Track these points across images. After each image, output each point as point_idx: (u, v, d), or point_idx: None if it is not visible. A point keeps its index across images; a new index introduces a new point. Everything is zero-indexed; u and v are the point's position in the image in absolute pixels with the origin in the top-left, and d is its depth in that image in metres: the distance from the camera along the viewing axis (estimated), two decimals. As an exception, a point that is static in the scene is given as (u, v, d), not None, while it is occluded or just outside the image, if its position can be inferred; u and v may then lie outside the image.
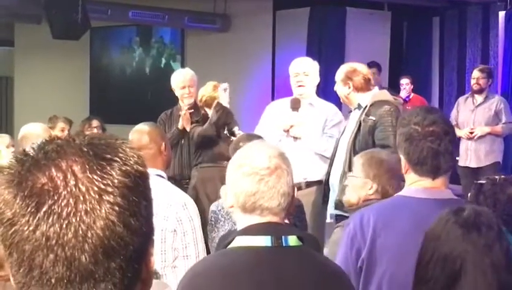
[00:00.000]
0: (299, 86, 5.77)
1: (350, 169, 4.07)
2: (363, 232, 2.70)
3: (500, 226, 2.16)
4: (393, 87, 9.98)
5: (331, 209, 5.14)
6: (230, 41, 11.54)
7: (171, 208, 3.63)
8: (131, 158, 1.08)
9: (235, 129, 5.87)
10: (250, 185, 2.25)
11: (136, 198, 1.06)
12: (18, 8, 10.71)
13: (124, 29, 12.65)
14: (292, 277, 2.22)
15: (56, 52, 12.16)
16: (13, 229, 1.03)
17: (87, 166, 1.04)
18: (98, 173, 1.04)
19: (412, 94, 10.22)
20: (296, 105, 5.72)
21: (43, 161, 1.05)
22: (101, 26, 11.79)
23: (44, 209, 1.01)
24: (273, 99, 9.46)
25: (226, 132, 5.91)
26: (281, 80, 10.13)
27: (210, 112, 5.94)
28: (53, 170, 1.03)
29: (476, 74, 8.58)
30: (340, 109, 6.26)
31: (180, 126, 6.15)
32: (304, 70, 5.76)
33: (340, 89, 5.39)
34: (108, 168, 1.05)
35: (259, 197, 2.24)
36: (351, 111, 5.47)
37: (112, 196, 1.03)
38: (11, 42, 13.69)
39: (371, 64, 9.55)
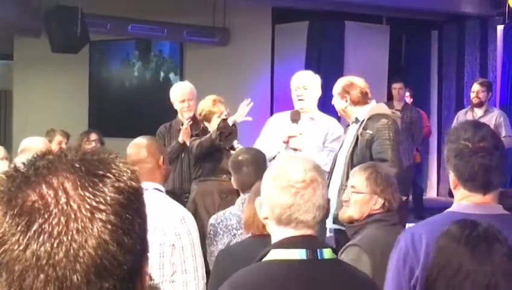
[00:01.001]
0: (299, 99, 5.76)
1: (347, 182, 4.05)
2: (415, 250, 2.64)
3: (510, 242, 2.17)
4: (389, 98, 10.01)
5: (329, 224, 5.12)
6: (230, 55, 11.55)
7: (169, 222, 3.61)
8: (124, 174, 1.05)
9: (234, 143, 5.86)
10: (286, 198, 2.25)
11: (129, 215, 1.03)
12: (17, 22, 10.73)
13: (123, 43, 12.66)
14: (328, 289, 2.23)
15: (55, 65, 12.16)
16: (2, 248, 1.00)
17: (78, 183, 1.01)
18: (90, 190, 1.01)
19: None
20: (295, 117, 5.72)
21: (34, 178, 1.02)
22: (100, 39, 11.81)
23: (34, 227, 0.98)
24: (272, 112, 9.47)
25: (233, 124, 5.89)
26: (280, 93, 10.15)
27: (209, 126, 5.92)
28: (44, 187, 1.00)
29: (475, 87, 8.58)
30: (340, 123, 6.25)
31: (180, 140, 6.14)
32: (304, 84, 5.75)
33: (337, 102, 5.37)
34: (100, 185, 1.02)
35: (294, 210, 2.25)
36: (348, 125, 5.46)
37: (104, 214, 1.00)
38: (10, 56, 13.69)
39: (397, 80, 9.74)
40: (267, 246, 2.34)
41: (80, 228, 0.99)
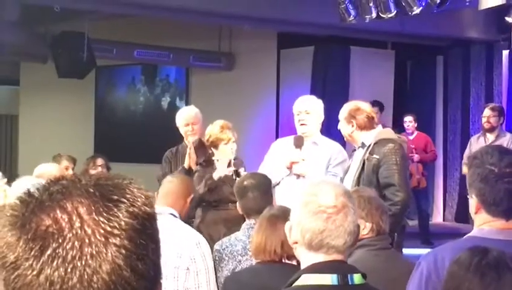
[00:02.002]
0: (302, 124, 5.76)
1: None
2: (438, 273, 2.62)
3: None
4: (398, 124, 10.00)
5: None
6: (235, 79, 11.59)
7: (184, 245, 3.61)
8: (138, 199, 1.05)
9: (241, 170, 5.85)
10: (317, 223, 2.25)
11: (143, 241, 1.03)
12: (24, 47, 10.79)
13: (129, 68, 12.72)
14: None
15: (61, 90, 12.23)
16: (16, 273, 0.99)
17: (93, 207, 1.00)
18: (105, 214, 1.00)
19: (416, 132, 10.22)
20: (299, 143, 5.71)
21: (48, 202, 1.01)
22: (106, 65, 11.87)
23: (48, 252, 0.98)
24: (277, 137, 9.47)
25: (231, 173, 5.89)
26: (285, 118, 10.15)
27: (216, 152, 5.90)
28: (58, 211, 1.00)
29: (486, 112, 8.57)
30: (345, 148, 6.24)
31: (186, 165, 6.13)
32: (306, 109, 5.75)
33: (343, 127, 5.37)
34: (115, 209, 1.01)
35: (326, 235, 2.25)
36: (355, 150, 5.45)
37: (118, 239, 1.00)
38: (16, 81, 13.77)
39: (373, 104, 9.58)
40: (276, 272, 2.33)
41: (94, 252, 0.98)
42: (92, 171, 7.24)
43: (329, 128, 6.95)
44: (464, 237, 2.83)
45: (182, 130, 6.40)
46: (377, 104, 9.70)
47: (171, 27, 11.03)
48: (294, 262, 3.05)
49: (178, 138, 6.54)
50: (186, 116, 6.38)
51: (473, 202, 2.72)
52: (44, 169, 5.66)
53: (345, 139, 5.58)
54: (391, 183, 4.94)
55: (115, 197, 1.03)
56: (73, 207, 1.01)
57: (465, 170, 8.99)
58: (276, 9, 9.30)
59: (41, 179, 5.23)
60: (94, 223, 1.00)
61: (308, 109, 5.74)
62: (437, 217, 11.57)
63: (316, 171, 5.64)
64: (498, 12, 9.27)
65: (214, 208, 5.80)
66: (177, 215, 3.88)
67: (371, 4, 8.09)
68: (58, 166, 6.04)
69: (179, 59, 11.57)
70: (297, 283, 2.27)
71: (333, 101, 8.53)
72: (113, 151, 10.73)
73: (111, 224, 1.00)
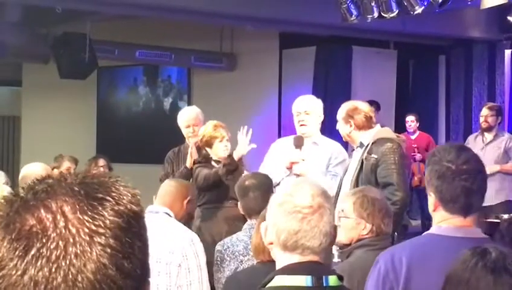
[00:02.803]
0: (301, 125, 5.75)
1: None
2: (395, 271, 2.64)
3: None
4: (400, 124, 9.99)
5: (335, 248, 5.09)
6: (237, 80, 11.59)
7: (177, 242, 3.62)
8: (124, 197, 1.04)
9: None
10: (292, 223, 2.21)
11: (129, 239, 1.01)
12: (26, 48, 10.80)
13: (131, 68, 12.72)
14: None
15: (63, 91, 12.23)
16: (1, 273, 0.99)
17: (77, 206, 1.00)
18: (89, 213, 0.99)
19: (418, 131, 10.21)
20: (299, 143, 5.70)
21: (32, 202, 1.01)
22: (108, 65, 11.87)
23: (32, 252, 0.97)
24: (279, 137, 9.45)
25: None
26: (287, 118, 10.12)
27: (210, 151, 5.91)
28: (42, 211, 0.99)
29: (484, 111, 8.56)
30: (346, 147, 6.23)
31: (188, 165, 6.14)
32: (305, 109, 5.74)
33: (341, 127, 5.37)
34: (99, 208, 1.00)
35: (301, 236, 2.21)
36: (353, 150, 5.45)
37: (103, 238, 0.99)
38: (18, 82, 13.77)
39: (369, 103, 9.58)
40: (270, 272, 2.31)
41: (79, 252, 0.97)
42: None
43: (332, 128, 6.93)
44: (422, 234, 2.84)
45: (183, 131, 6.40)
46: (373, 103, 9.71)
47: (172, 28, 11.02)
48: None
49: (180, 139, 6.54)
50: (186, 118, 6.38)
51: (431, 199, 2.72)
52: (29, 169, 5.65)
53: (343, 139, 5.58)
54: (390, 183, 4.93)
55: (100, 195, 1.02)
56: (58, 206, 1.00)
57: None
58: (278, 10, 9.29)
59: (25, 179, 5.24)
60: (79, 222, 0.99)
61: (308, 110, 5.74)
62: (440, 217, 11.55)
63: (316, 171, 5.63)
64: (500, 11, 9.26)
65: (213, 207, 5.79)
66: (172, 215, 3.90)
67: (373, 4, 8.08)
68: (45, 165, 6.02)
69: (181, 60, 11.57)
70: (271, 284, 2.24)
71: (335, 101, 8.51)
72: (115, 151, 10.73)
73: (96, 223, 0.99)
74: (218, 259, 4.16)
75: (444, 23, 9.91)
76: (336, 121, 5.62)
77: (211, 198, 5.83)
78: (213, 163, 5.89)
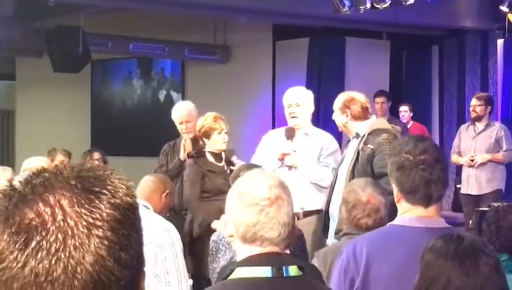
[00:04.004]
0: (292, 117, 5.78)
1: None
2: (356, 261, 2.69)
3: (496, 254, 2.17)
4: (393, 114, 10.01)
5: (331, 239, 5.13)
6: (231, 72, 11.59)
7: (152, 232, 3.67)
8: (120, 190, 1.06)
9: (233, 159, 5.86)
10: (250, 215, 2.22)
11: (126, 231, 1.04)
12: (19, 42, 10.79)
13: (125, 61, 12.72)
14: None
15: (57, 85, 12.22)
16: (1, 266, 1.01)
17: (75, 200, 1.02)
18: (86, 206, 1.02)
19: (412, 122, 10.24)
20: (290, 134, 5.73)
21: (30, 196, 1.03)
22: (101, 58, 11.87)
23: (32, 245, 0.99)
24: (273, 128, 9.49)
25: (223, 164, 5.91)
26: (281, 109, 10.11)
27: (208, 142, 5.93)
28: (40, 204, 1.02)
29: (473, 101, 8.60)
30: (341, 138, 6.26)
31: (181, 157, 6.16)
32: (296, 102, 5.77)
33: (338, 117, 5.39)
34: (96, 201, 1.03)
35: (259, 227, 2.22)
36: (349, 140, 5.47)
37: (101, 230, 1.01)
38: (12, 76, 13.76)
39: (379, 93, 9.59)
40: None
41: (77, 244, 1.00)
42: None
43: (326, 119, 6.97)
44: (386, 225, 2.87)
45: (178, 127, 6.42)
46: (382, 94, 9.75)
47: (166, 20, 11.02)
48: (287, 251, 3.08)
49: (175, 131, 6.56)
50: (179, 115, 6.38)
51: (395, 191, 2.75)
52: (31, 163, 5.68)
53: (339, 129, 5.60)
54: (385, 173, 4.94)
55: (96, 189, 1.04)
56: (56, 200, 1.02)
57: (454, 159, 9.05)
58: (271, 1, 9.30)
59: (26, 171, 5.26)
60: (76, 215, 1.01)
61: (299, 102, 5.76)
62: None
63: (308, 162, 5.66)
64: (492, 1, 9.29)
65: (207, 199, 5.82)
66: (150, 208, 3.98)
67: (365, -6, 8.11)
68: (47, 159, 6.06)
69: (174, 52, 11.57)
70: (232, 276, 2.24)
71: (329, 92, 8.55)
72: (110, 145, 10.73)
73: (93, 216, 1.02)
74: (214, 249, 4.19)
75: (437, 14, 9.93)
76: (329, 112, 5.64)
77: (205, 191, 5.84)
78: (207, 156, 5.91)
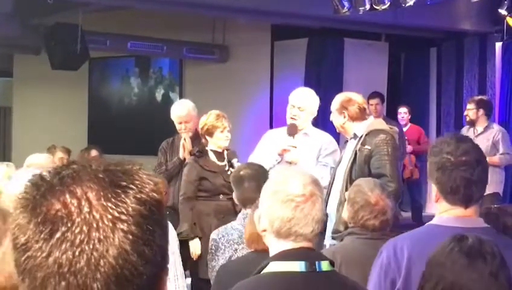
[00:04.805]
0: (291, 118, 5.78)
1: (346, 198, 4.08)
2: (397, 262, 2.68)
3: (502, 254, 2.17)
4: (391, 116, 10.02)
5: (328, 239, 5.13)
6: (229, 71, 11.59)
7: None
8: (147, 185, 1.07)
9: (234, 161, 5.86)
10: (286, 211, 2.30)
11: (150, 226, 1.05)
12: (17, 39, 10.77)
13: (123, 59, 12.70)
14: None
15: (55, 82, 12.20)
16: (26, 255, 1.02)
17: (101, 193, 1.03)
18: (113, 200, 1.03)
19: (409, 124, 10.25)
20: (292, 131, 5.72)
21: (58, 187, 1.04)
22: (99, 56, 11.85)
23: (57, 236, 1.01)
24: (271, 128, 9.48)
25: (225, 163, 5.90)
26: (279, 109, 10.16)
27: (210, 140, 5.92)
28: (67, 196, 1.03)
29: (467, 106, 8.66)
30: (338, 139, 6.25)
31: (181, 156, 6.15)
32: (300, 105, 5.75)
33: (335, 118, 5.39)
34: (123, 195, 1.04)
35: (294, 223, 2.30)
36: (347, 141, 5.48)
37: (125, 224, 1.02)
38: (10, 73, 13.74)
39: (373, 95, 9.58)
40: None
41: (102, 237, 1.01)
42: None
43: (324, 120, 6.96)
44: (424, 225, 2.88)
45: (176, 126, 6.41)
46: (377, 95, 9.74)
47: (164, 19, 11.01)
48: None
49: (172, 130, 6.55)
50: (178, 114, 6.37)
51: (433, 190, 2.76)
52: (34, 159, 5.68)
53: (337, 130, 5.60)
54: (383, 174, 4.96)
55: (124, 183, 1.05)
56: (83, 192, 1.03)
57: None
58: (270, 1, 9.30)
59: (33, 169, 5.26)
60: (102, 208, 1.02)
61: (302, 106, 5.75)
62: (430, 208, 11.57)
63: (307, 160, 5.66)
64: (491, 4, 9.30)
65: (205, 199, 5.81)
66: None
67: (365, -4, 8.11)
68: (50, 157, 6.05)
69: (173, 51, 11.56)
70: (266, 270, 2.32)
71: (327, 93, 8.53)
72: (107, 143, 10.71)
73: (119, 210, 1.03)
74: (213, 247, 4.18)
75: (436, 16, 9.94)
76: (327, 113, 5.64)
77: (203, 191, 5.84)
78: (210, 154, 5.90)
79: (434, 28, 10.93)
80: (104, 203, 1.02)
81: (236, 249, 4.02)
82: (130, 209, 1.03)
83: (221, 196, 5.73)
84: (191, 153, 6.02)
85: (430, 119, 11.67)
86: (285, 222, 2.30)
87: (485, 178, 2.73)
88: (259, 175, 4.44)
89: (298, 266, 2.27)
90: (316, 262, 2.29)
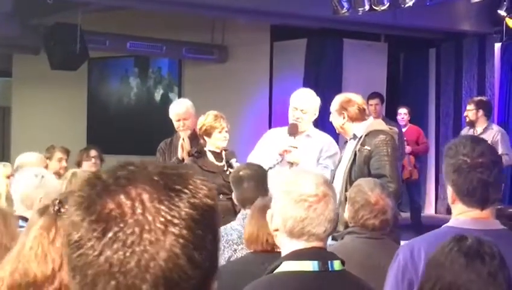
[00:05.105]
0: (295, 121, 5.77)
1: (346, 199, 4.07)
2: (414, 263, 2.67)
3: (502, 255, 2.17)
4: (390, 117, 10.02)
5: (328, 239, 5.12)
6: (228, 72, 11.59)
7: None
8: (200, 191, 1.08)
9: (233, 161, 5.86)
10: (299, 211, 2.33)
11: (202, 231, 1.06)
12: (16, 39, 10.77)
13: (122, 60, 12.70)
14: None
15: (54, 82, 12.20)
16: (78, 252, 1.03)
17: (155, 195, 1.04)
18: (166, 203, 1.04)
19: (409, 124, 10.25)
20: (293, 130, 5.72)
21: (113, 187, 1.05)
22: (99, 56, 11.85)
23: (109, 235, 1.02)
24: (270, 128, 9.49)
25: (223, 163, 5.90)
26: (278, 110, 10.18)
27: (209, 140, 5.92)
28: (122, 196, 1.04)
29: (467, 107, 8.67)
30: (337, 140, 6.25)
31: (180, 156, 6.15)
32: (303, 108, 5.74)
33: (335, 119, 5.39)
34: (176, 199, 1.05)
35: (307, 223, 2.33)
36: (346, 141, 5.48)
37: (177, 228, 1.03)
38: (9, 73, 13.73)
39: (373, 95, 9.58)
40: (268, 261, 2.37)
41: (153, 239, 1.02)
42: (85, 163, 7.25)
43: (323, 121, 6.96)
44: (441, 227, 2.87)
45: (174, 124, 6.41)
46: (377, 96, 9.73)
47: (164, 19, 11.01)
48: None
49: (170, 130, 6.55)
50: (176, 112, 6.37)
51: (449, 192, 2.75)
52: (25, 158, 5.69)
53: (336, 131, 5.60)
54: (382, 175, 4.96)
55: (178, 187, 1.06)
56: (137, 193, 1.04)
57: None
58: (269, 2, 9.30)
59: (20, 168, 5.26)
60: (155, 210, 1.03)
61: (305, 109, 5.74)
62: (429, 209, 11.61)
63: (308, 162, 5.66)
64: (490, 5, 9.31)
65: None
66: None
67: (364, -3, 8.12)
68: (40, 155, 6.05)
69: (172, 51, 11.56)
70: (278, 270, 2.34)
71: (326, 94, 8.53)
72: (106, 143, 10.69)
73: (171, 213, 1.04)
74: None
75: (435, 17, 9.94)
76: (326, 114, 5.64)
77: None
78: (208, 155, 5.91)
79: (433, 29, 10.94)
80: (157, 206, 1.03)
81: (235, 250, 4.02)
82: (182, 213, 1.04)
83: (221, 196, 5.72)
84: (189, 154, 6.02)
85: (429, 120, 11.67)
86: (298, 221, 2.33)
87: (501, 179, 2.73)
88: (259, 175, 4.44)
89: (311, 266, 2.30)
90: (329, 261, 2.33)
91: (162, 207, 1.03)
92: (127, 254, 1.01)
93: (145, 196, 1.04)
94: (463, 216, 2.73)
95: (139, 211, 1.02)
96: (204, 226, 1.06)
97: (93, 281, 1.02)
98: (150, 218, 1.02)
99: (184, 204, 1.05)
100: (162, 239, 1.02)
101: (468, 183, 2.67)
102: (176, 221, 1.03)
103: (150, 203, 1.03)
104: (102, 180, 1.07)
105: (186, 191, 1.06)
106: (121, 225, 1.02)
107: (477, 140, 2.82)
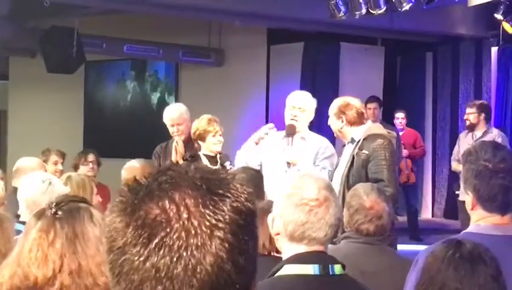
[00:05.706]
0: (292, 119, 5.77)
1: (343, 203, 4.06)
2: None
3: (496, 262, 2.17)
4: (387, 121, 10.02)
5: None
6: (225, 75, 11.59)
7: None
8: (242, 195, 1.08)
9: (227, 164, 5.86)
10: (300, 215, 2.33)
11: (245, 236, 1.06)
12: (13, 42, 10.76)
13: (119, 63, 12.69)
14: None
15: (51, 85, 12.18)
16: (123, 258, 1.03)
17: (200, 200, 1.04)
18: (211, 207, 1.04)
19: (406, 128, 10.26)
20: (290, 131, 5.72)
21: (157, 192, 1.05)
22: (95, 60, 11.84)
23: (156, 241, 1.02)
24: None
25: (218, 167, 5.90)
26: (274, 114, 10.15)
27: (203, 145, 5.92)
28: (166, 201, 1.03)
29: (467, 110, 8.64)
30: (334, 143, 6.25)
31: (173, 160, 6.14)
32: (301, 106, 5.75)
33: (333, 123, 5.39)
34: (220, 203, 1.05)
35: (308, 227, 2.33)
36: (344, 145, 5.47)
37: (222, 232, 1.03)
38: (5, 76, 13.71)
39: (371, 99, 9.58)
40: (265, 265, 2.36)
41: (199, 244, 1.02)
42: (83, 167, 7.23)
43: (320, 124, 6.96)
44: (461, 233, 2.85)
45: (169, 129, 6.40)
46: (375, 99, 9.73)
47: (160, 22, 11.01)
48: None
49: (167, 134, 6.54)
50: (170, 117, 6.35)
51: (469, 198, 2.73)
52: (24, 163, 5.68)
53: (334, 134, 5.60)
54: (380, 179, 4.96)
55: (221, 191, 1.06)
56: (181, 198, 1.04)
57: (454, 166, 9.01)
58: (266, 5, 9.30)
59: (21, 173, 5.26)
60: (200, 215, 1.03)
61: (303, 106, 5.74)
62: (426, 213, 11.60)
63: (307, 161, 5.65)
64: (487, 8, 9.31)
65: None
66: None
67: (361, 0, 8.12)
68: (39, 160, 6.05)
69: (169, 54, 11.56)
70: (279, 273, 2.34)
71: (323, 97, 8.52)
72: (102, 146, 10.67)
73: (216, 217, 1.04)
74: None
75: (432, 20, 9.96)
76: (323, 117, 5.64)
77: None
78: (202, 158, 5.90)
79: (430, 33, 10.96)
80: (202, 210, 1.03)
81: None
82: (227, 217, 1.04)
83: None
84: (183, 159, 6.02)
85: (426, 124, 11.68)
86: (299, 225, 2.34)
87: None
88: (255, 180, 4.44)
89: (312, 269, 2.31)
90: (329, 265, 2.33)
91: (207, 211, 1.03)
92: (174, 259, 1.01)
93: (189, 201, 1.04)
94: (483, 222, 2.72)
95: (184, 215, 1.02)
96: (247, 231, 1.07)
97: (139, 287, 1.02)
98: (195, 223, 1.02)
99: (228, 208, 1.05)
100: (208, 243, 1.02)
101: (489, 189, 2.67)
102: (221, 225, 1.03)
103: (194, 208, 1.03)
104: (145, 186, 1.06)
105: (229, 195, 1.06)
106: (167, 230, 1.02)
107: (497, 146, 2.82)
